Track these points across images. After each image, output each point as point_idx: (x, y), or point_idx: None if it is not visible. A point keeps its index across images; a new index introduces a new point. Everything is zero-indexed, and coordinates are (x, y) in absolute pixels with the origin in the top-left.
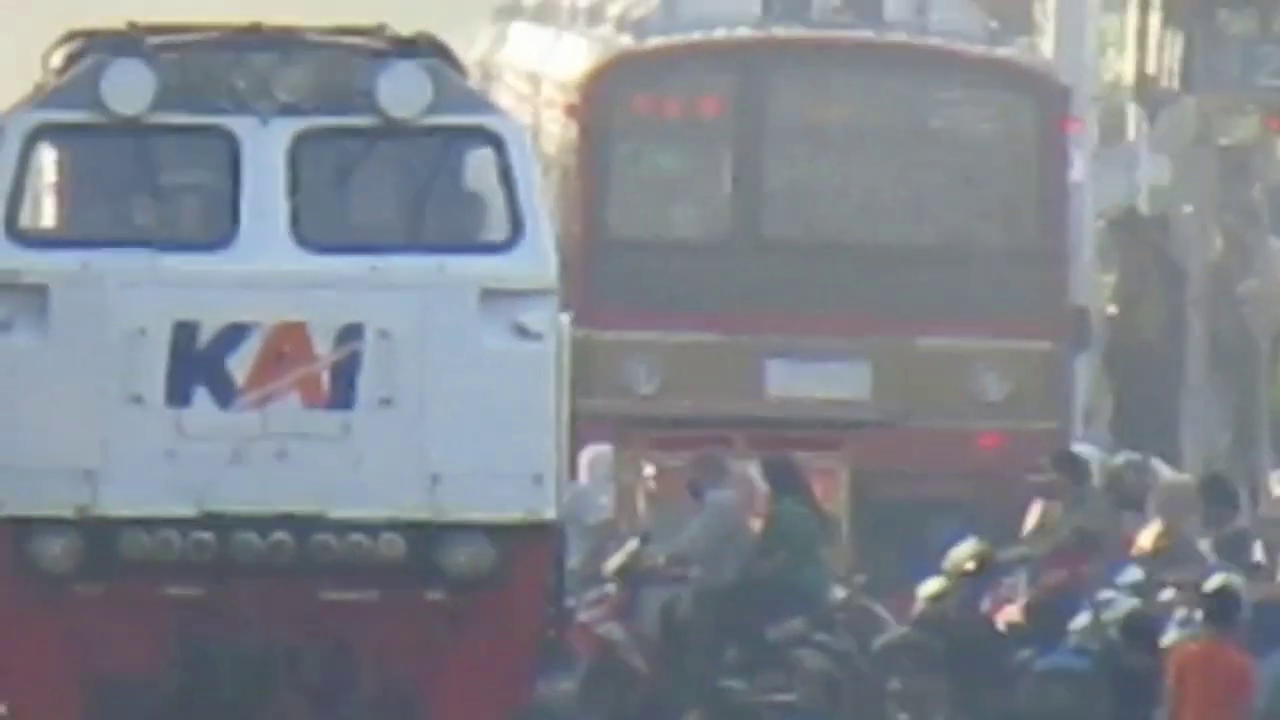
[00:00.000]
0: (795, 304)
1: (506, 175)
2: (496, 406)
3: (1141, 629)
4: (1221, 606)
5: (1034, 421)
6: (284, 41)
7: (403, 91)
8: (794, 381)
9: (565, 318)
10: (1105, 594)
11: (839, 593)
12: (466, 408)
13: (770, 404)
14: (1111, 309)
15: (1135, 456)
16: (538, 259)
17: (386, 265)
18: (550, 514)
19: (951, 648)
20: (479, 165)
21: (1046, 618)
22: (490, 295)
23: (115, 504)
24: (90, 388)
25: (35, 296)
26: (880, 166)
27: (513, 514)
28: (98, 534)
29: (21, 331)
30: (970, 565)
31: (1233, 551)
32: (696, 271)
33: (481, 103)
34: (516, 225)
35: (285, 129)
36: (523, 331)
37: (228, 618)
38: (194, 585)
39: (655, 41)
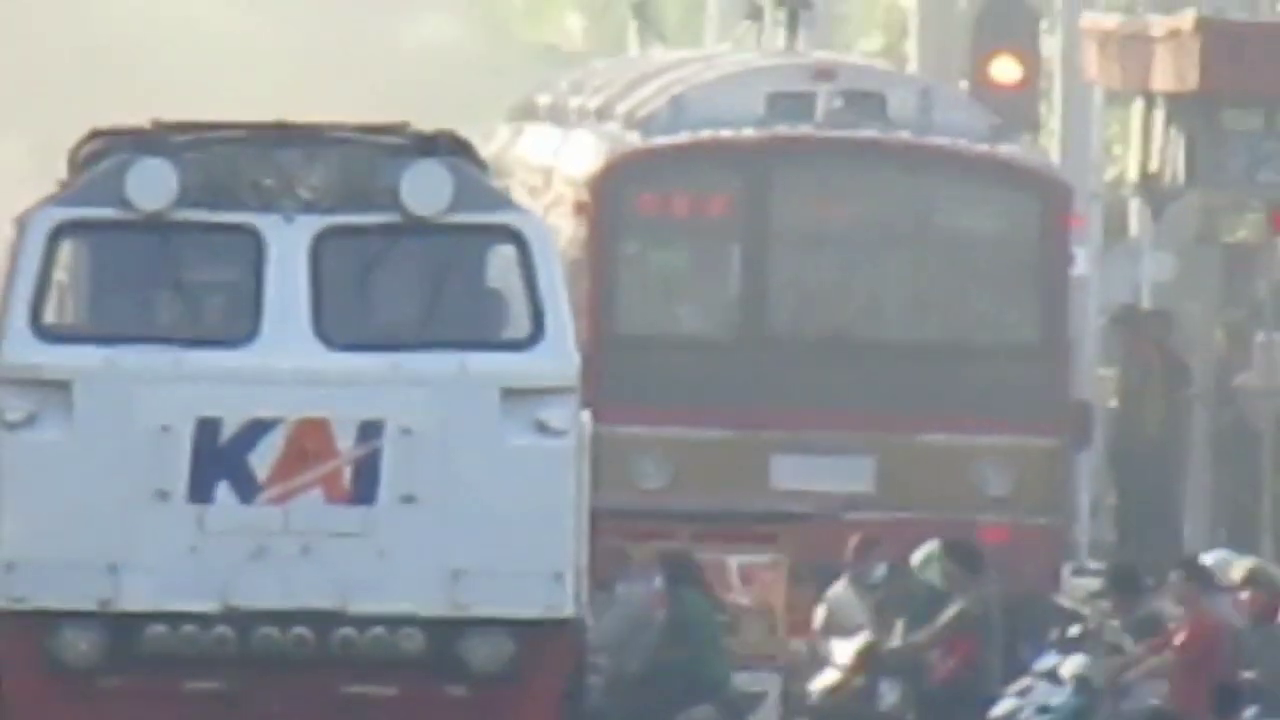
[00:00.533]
0: (800, 400)
1: (528, 273)
2: (518, 504)
3: None
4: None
5: (1036, 516)
6: (307, 139)
7: (425, 189)
8: (799, 476)
9: (586, 415)
10: (1023, 682)
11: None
12: (488, 505)
13: (778, 497)
14: (1114, 403)
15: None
16: (559, 357)
17: (408, 362)
18: (570, 611)
19: None
20: (501, 263)
21: (935, 711)
22: (512, 393)
23: (138, 598)
24: (114, 483)
25: (59, 392)
26: (884, 264)
27: (533, 611)
28: (121, 628)
29: (46, 426)
30: (857, 658)
31: (1146, 632)
32: (703, 368)
33: (503, 201)
34: (538, 323)
35: (308, 226)
36: (544, 429)
37: (249, 712)
38: (216, 680)
39: (662, 140)
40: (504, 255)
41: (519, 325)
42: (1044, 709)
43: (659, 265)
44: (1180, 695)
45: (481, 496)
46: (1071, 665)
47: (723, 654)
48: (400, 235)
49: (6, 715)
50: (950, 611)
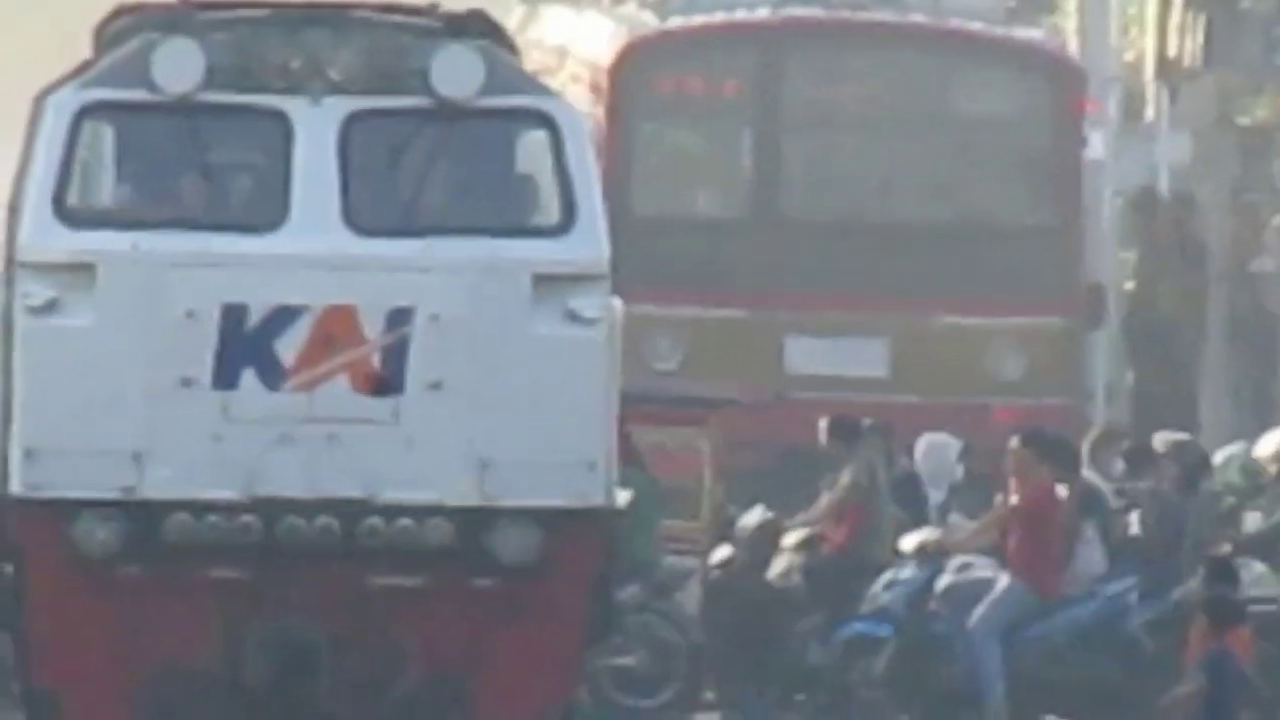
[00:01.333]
0: (814, 282)
1: (560, 158)
2: (548, 392)
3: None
4: None
5: (1050, 397)
6: (336, 20)
7: (455, 72)
8: (813, 359)
9: (617, 302)
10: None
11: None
12: (518, 393)
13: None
14: (1129, 285)
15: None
16: (591, 244)
17: (438, 249)
18: (601, 500)
19: (738, 613)
20: (532, 148)
21: (826, 581)
22: (543, 280)
23: (161, 487)
24: (137, 370)
25: (83, 277)
26: (898, 146)
27: (563, 500)
28: (143, 517)
29: (69, 312)
30: (757, 533)
31: None
32: (717, 250)
33: (535, 85)
34: (570, 210)
35: (337, 110)
36: (575, 317)
37: (274, 602)
38: (239, 570)
39: (677, 22)
40: (535, 140)
41: (550, 211)
42: (891, 583)
43: (674, 148)
44: (1014, 557)
45: (511, 385)
46: (912, 539)
47: (655, 535)
48: (430, 119)
49: (28, 605)
50: (841, 482)
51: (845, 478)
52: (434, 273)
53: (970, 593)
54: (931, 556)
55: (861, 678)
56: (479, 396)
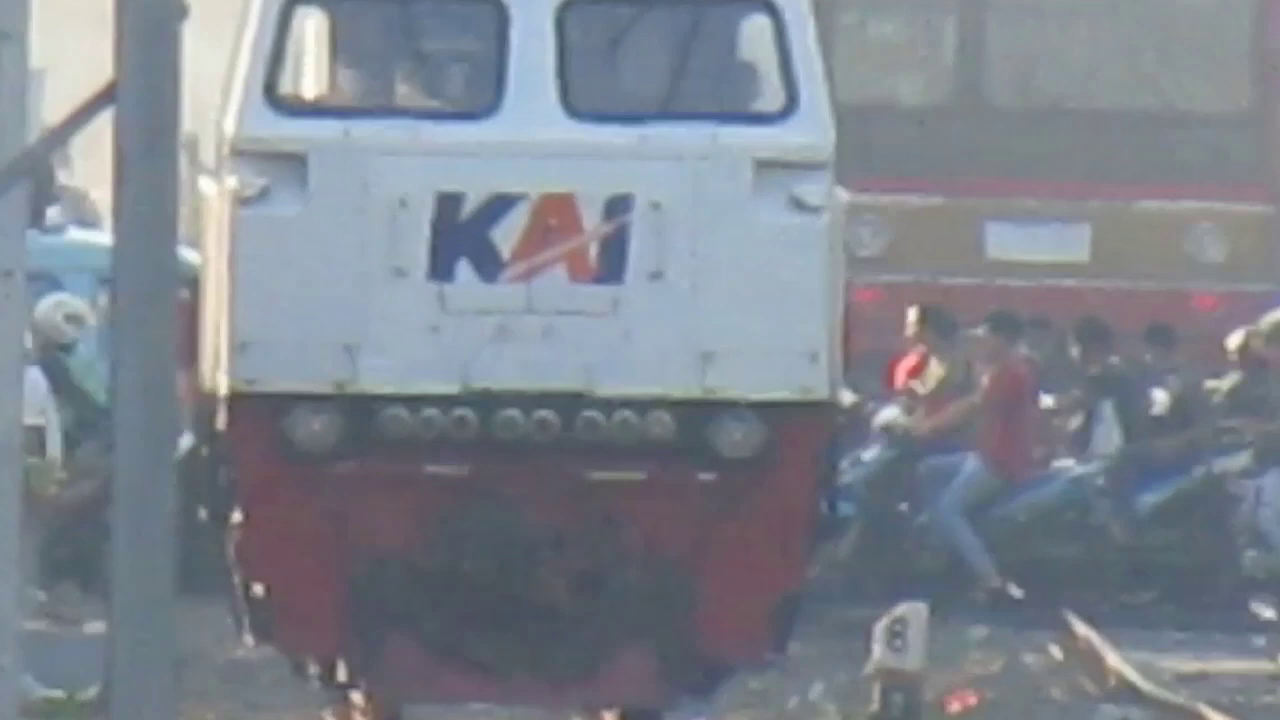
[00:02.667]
0: (1016, 168)
1: (782, 43)
2: (771, 282)
3: None
4: None
5: (1251, 283)
6: None
7: None
8: (1013, 243)
9: (841, 191)
10: None
11: None
12: (740, 283)
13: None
14: None
15: None
16: (815, 130)
17: (657, 135)
18: (825, 392)
19: None
20: (754, 33)
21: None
22: (765, 166)
23: (376, 380)
24: (350, 260)
25: (294, 165)
26: (1098, 33)
27: (786, 392)
28: (357, 410)
29: (280, 201)
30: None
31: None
32: (919, 137)
33: None
34: (792, 95)
35: None
36: (799, 204)
37: (491, 497)
38: (456, 464)
39: None
40: (757, 25)
41: (773, 97)
42: (857, 461)
43: (876, 35)
44: (986, 438)
45: (733, 274)
46: (883, 416)
47: None
48: (649, 4)
49: (239, 500)
50: (933, 373)
51: (939, 370)
52: (653, 159)
53: (942, 475)
54: (899, 438)
55: (825, 557)
56: (700, 286)
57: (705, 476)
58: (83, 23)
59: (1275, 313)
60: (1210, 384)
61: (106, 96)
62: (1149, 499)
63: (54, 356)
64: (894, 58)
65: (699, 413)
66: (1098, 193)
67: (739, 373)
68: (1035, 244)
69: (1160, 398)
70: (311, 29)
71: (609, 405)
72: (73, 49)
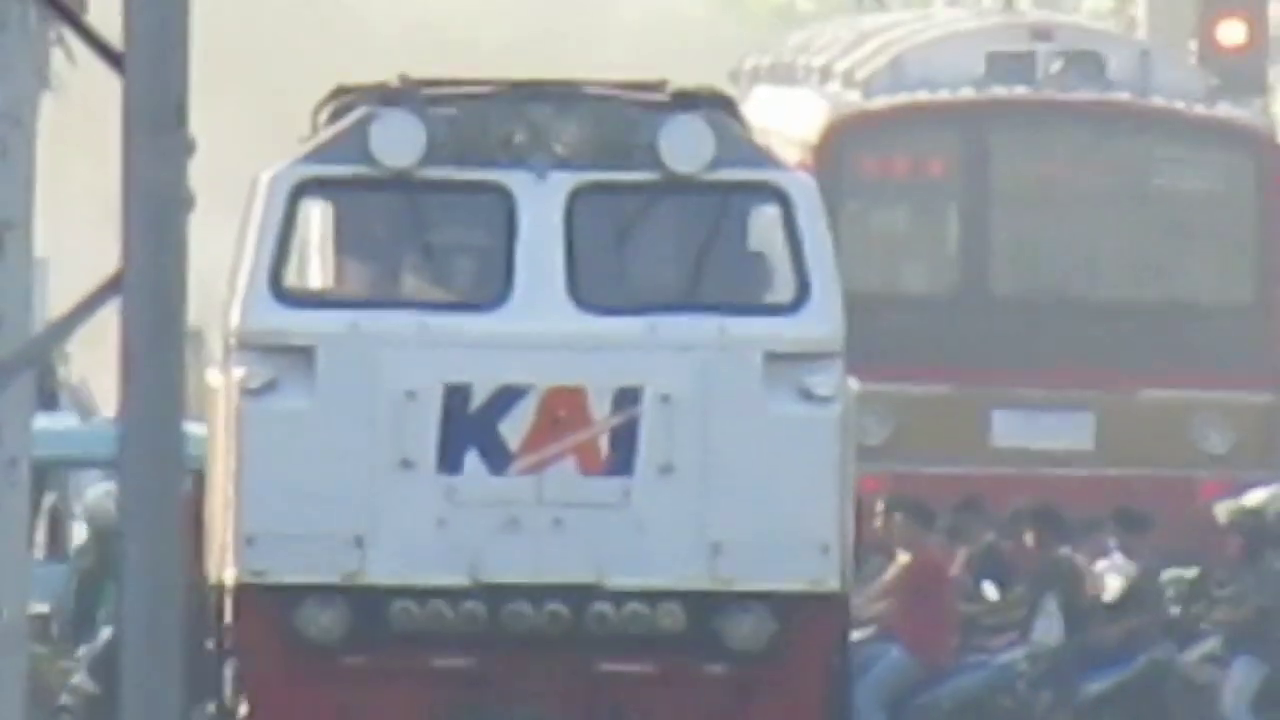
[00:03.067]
0: (1021, 357)
1: (793, 233)
2: (782, 473)
3: None
4: None
5: (1256, 471)
6: (561, 94)
7: (685, 145)
8: (1020, 432)
9: (852, 381)
10: None
11: None
12: (750, 474)
13: (997, 454)
14: None
15: None
16: (826, 321)
17: (667, 326)
18: (836, 584)
19: None
20: (764, 222)
21: None
22: (775, 358)
23: (384, 572)
24: (358, 452)
25: (302, 357)
26: (1102, 223)
27: (798, 584)
28: (366, 603)
29: (288, 393)
30: None
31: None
32: (924, 325)
33: (767, 158)
34: (803, 285)
35: (562, 184)
36: (809, 396)
37: (500, 690)
38: (465, 656)
39: (881, 102)
40: (767, 215)
41: (783, 288)
42: None
43: (880, 224)
44: (904, 624)
45: (744, 466)
46: None
47: None
48: (659, 193)
49: (248, 693)
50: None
51: (904, 560)
52: (663, 351)
53: (866, 663)
54: None
55: None
56: (711, 478)
57: (715, 669)
58: (87, 212)
59: (1252, 495)
60: (1172, 573)
61: (112, 287)
62: (1092, 688)
63: (107, 543)
64: (898, 246)
65: (709, 604)
66: (1102, 382)
67: (750, 564)
68: (1040, 432)
69: (1113, 584)
70: (317, 219)
71: (619, 597)
72: (76, 239)
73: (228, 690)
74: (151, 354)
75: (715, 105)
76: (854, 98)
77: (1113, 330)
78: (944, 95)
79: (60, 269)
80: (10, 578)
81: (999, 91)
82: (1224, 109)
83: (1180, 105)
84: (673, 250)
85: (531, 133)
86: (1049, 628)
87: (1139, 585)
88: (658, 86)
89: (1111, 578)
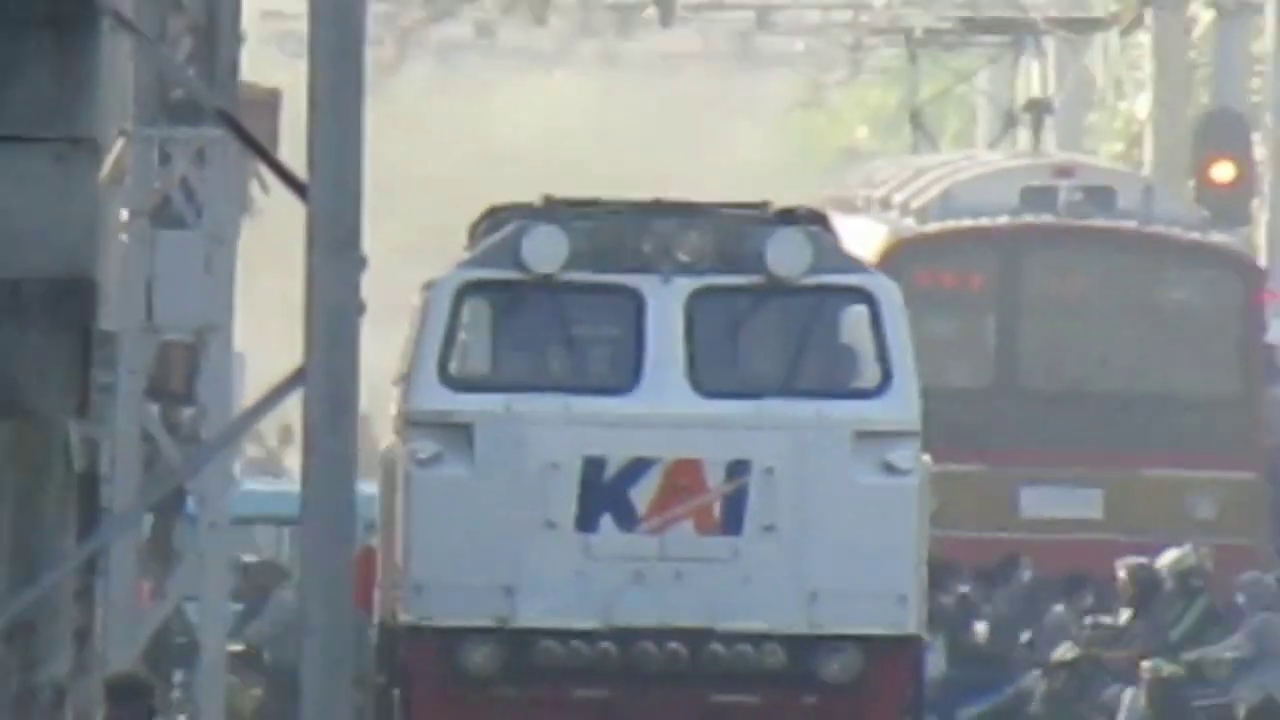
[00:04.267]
0: (1044, 441)
1: (878, 329)
2: (867, 534)
3: None
4: None
5: (1238, 538)
6: (684, 210)
7: (787, 254)
8: (1043, 504)
9: (926, 457)
10: None
11: None
12: (841, 535)
13: (1023, 523)
14: None
15: None
16: (906, 404)
17: (771, 409)
18: (912, 629)
19: None
20: (853, 319)
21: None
22: (863, 436)
23: (531, 616)
24: (509, 514)
25: (463, 434)
26: (1113, 329)
27: (880, 629)
28: (516, 643)
29: (451, 464)
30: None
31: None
32: (964, 414)
33: (856, 265)
34: (886, 374)
35: (684, 287)
36: (891, 469)
37: (629, 717)
38: (600, 689)
39: (934, 227)
40: (856, 313)
41: (869, 375)
42: None
43: (931, 328)
44: None
45: (835, 527)
46: None
47: None
48: (765, 295)
49: (414, 718)
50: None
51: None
52: (768, 430)
53: None
54: None
55: None
56: (807, 537)
57: (810, 700)
58: (276, 316)
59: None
60: (1106, 620)
61: (297, 379)
62: (965, 712)
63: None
64: (944, 347)
65: (806, 645)
66: (1111, 461)
67: (840, 611)
68: (1060, 504)
69: (981, 630)
70: (477, 317)
71: (729, 639)
72: (267, 338)
73: (397, 717)
74: (328, 434)
75: (812, 220)
76: (910, 222)
77: (1120, 419)
78: (985, 221)
79: (254, 364)
80: (213, 620)
81: (1029, 218)
82: (1215, 236)
83: (1178, 232)
84: (776, 343)
85: (657, 243)
86: (935, 662)
87: (999, 630)
88: (763, 205)
89: (979, 625)
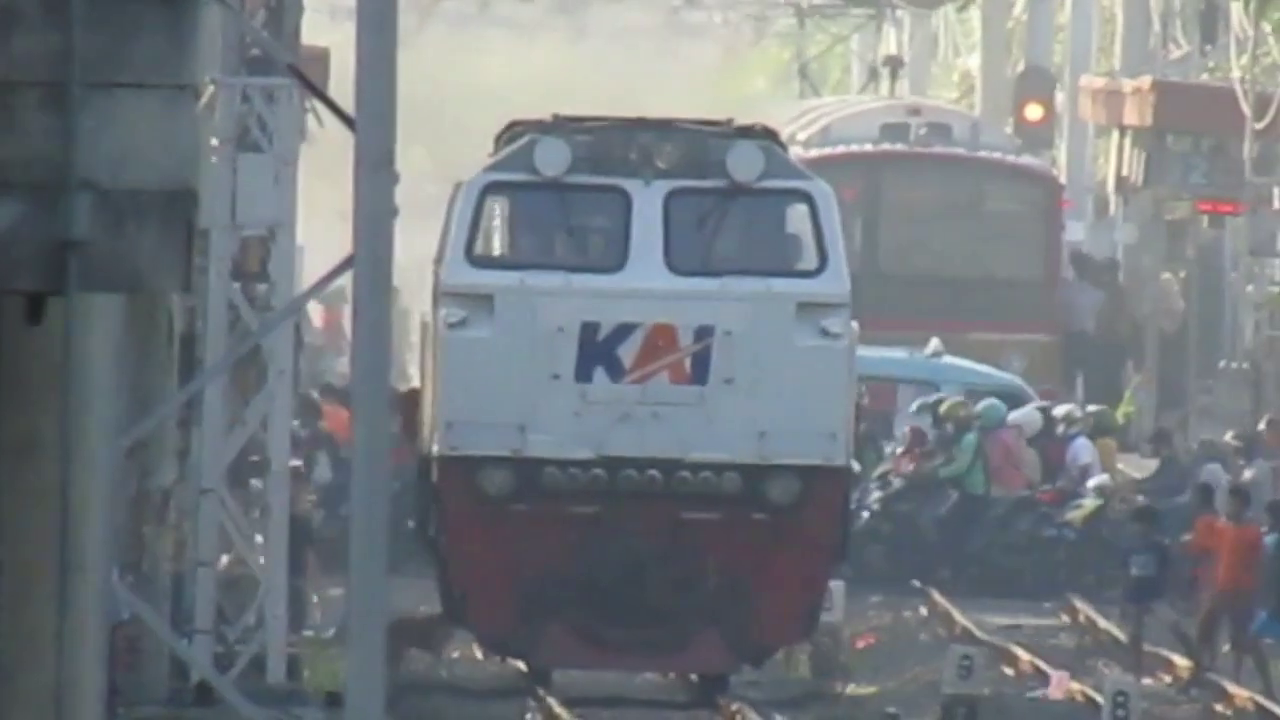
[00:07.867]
0: (898, 313)
1: (816, 223)
2: (807, 385)
3: None
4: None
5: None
6: (662, 127)
7: (744, 162)
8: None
9: (855, 324)
10: None
11: None
12: (785, 385)
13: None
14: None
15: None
16: (838, 282)
17: (731, 285)
18: (842, 460)
19: None
20: (797, 216)
21: None
22: (804, 307)
23: (539, 449)
24: (522, 368)
25: (485, 303)
26: (949, 229)
27: (816, 459)
28: (526, 469)
29: (475, 327)
30: None
31: None
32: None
33: (800, 172)
34: (823, 258)
35: (662, 188)
36: (826, 333)
37: (616, 530)
38: (593, 506)
39: (815, 152)
40: (800, 210)
41: (809, 259)
42: None
43: None
44: None
45: (781, 380)
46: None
47: None
48: (726, 194)
49: (446, 529)
50: None
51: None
52: (728, 301)
53: None
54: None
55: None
56: (758, 387)
57: (759, 516)
58: (329, 218)
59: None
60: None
61: (347, 263)
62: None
63: None
64: None
65: (756, 473)
66: (948, 328)
67: (784, 446)
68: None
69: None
70: (497, 210)
71: (696, 467)
72: (323, 234)
73: (433, 526)
74: (371, 307)
75: (764, 136)
76: (798, 150)
77: (954, 295)
78: (854, 149)
79: (310, 254)
80: (278, 442)
81: (887, 147)
82: (1026, 159)
83: (999, 156)
84: (735, 233)
85: (641, 153)
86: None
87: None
88: (726, 123)
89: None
